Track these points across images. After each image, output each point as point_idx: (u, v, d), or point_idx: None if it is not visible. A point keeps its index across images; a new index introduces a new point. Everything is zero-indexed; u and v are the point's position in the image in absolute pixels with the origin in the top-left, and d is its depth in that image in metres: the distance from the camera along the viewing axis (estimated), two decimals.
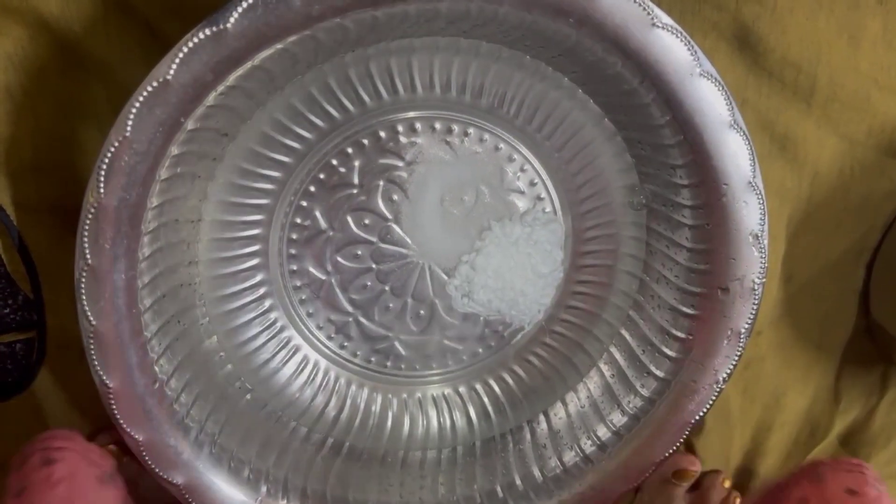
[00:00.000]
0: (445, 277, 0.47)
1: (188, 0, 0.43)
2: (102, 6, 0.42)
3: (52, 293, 0.47)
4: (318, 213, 0.45)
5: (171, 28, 0.43)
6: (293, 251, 0.46)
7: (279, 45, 0.36)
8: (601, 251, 0.48)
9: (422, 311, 0.48)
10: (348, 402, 0.49)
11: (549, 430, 0.49)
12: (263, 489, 0.45)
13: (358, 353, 0.48)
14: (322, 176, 0.45)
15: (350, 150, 0.45)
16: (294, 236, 0.46)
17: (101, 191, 0.36)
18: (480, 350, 0.49)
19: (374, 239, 0.46)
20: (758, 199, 0.41)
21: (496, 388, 0.50)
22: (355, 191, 0.45)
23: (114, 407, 0.40)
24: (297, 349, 0.48)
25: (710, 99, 0.38)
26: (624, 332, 0.48)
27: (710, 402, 0.45)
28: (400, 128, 0.45)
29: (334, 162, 0.45)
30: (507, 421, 0.50)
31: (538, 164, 0.47)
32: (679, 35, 0.37)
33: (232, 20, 0.34)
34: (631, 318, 0.48)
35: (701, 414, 0.45)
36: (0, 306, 0.48)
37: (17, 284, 0.47)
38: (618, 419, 0.47)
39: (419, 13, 0.37)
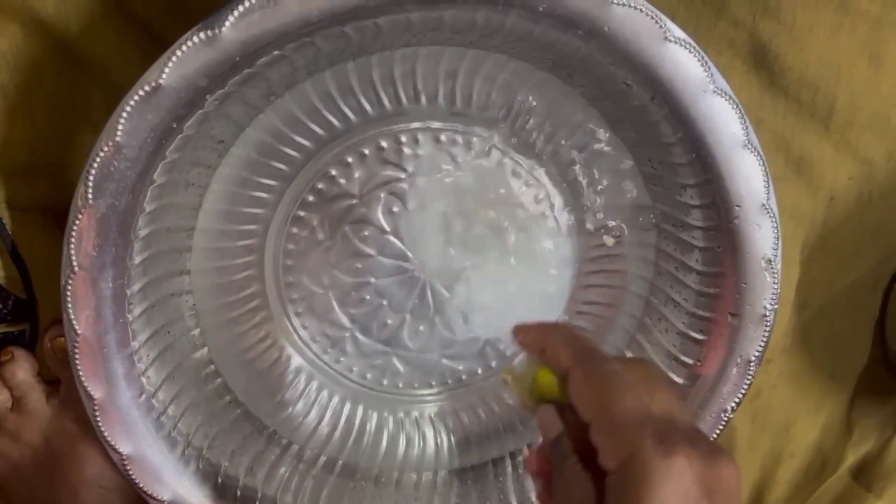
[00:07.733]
0: (446, 293, 0.46)
1: (189, 2, 0.42)
2: (100, 7, 0.42)
3: (44, 294, 0.47)
4: (315, 224, 0.44)
5: (171, 31, 0.42)
6: (289, 262, 0.45)
7: (276, 52, 0.35)
8: (608, 271, 0.47)
9: (421, 328, 0.46)
10: (343, 419, 0.48)
11: None
12: None
13: (354, 368, 0.47)
14: (321, 186, 0.44)
15: (350, 160, 0.44)
16: (291, 247, 0.45)
17: (90, 196, 0.35)
18: (480, 370, 0.48)
19: (372, 252, 0.45)
20: (771, 222, 0.40)
21: (496, 409, 0.49)
22: (355, 202, 0.44)
23: (98, 419, 0.39)
24: (290, 363, 0.47)
25: (723, 117, 0.38)
26: (629, 355, 0.47)
27: (718, 432, 0.43)
28: (402, 138, 0.44)
29: (334, 172, 0.44)
30: (506, 444, 0.49)
31: (544, 178, 0.46)
32: (692, 50, 0.37)
33: (227, 24, 0.33)
34: (637, 342, 0.47)
35: None
36: None
37: (7, 289, 0.46)
38: None
39: (423, 22, 0.36)
